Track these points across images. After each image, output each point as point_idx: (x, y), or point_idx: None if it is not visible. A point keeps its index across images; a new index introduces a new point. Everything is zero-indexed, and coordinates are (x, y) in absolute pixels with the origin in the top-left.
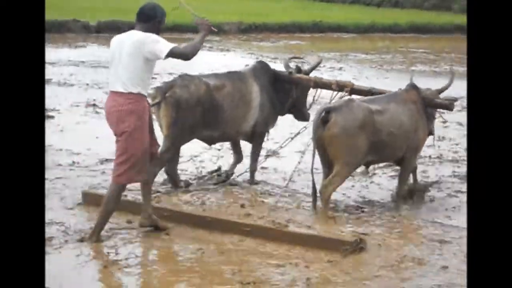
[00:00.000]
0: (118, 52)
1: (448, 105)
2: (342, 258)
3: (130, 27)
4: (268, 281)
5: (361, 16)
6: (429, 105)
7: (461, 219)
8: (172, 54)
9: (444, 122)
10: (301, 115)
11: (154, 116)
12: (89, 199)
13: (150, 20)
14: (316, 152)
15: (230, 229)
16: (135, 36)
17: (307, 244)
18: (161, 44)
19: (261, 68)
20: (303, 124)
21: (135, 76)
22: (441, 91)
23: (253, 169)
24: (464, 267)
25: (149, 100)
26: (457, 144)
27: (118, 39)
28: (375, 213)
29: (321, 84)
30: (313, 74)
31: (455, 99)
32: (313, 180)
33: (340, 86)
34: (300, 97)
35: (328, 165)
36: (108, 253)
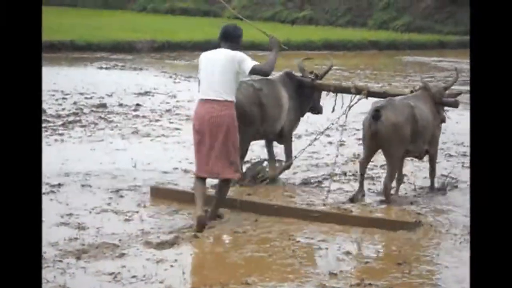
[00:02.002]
0: (211, 67)
1: (454, 103)
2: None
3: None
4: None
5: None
6: (438, 103)
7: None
8: (254, 70)
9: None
10: (317, 110)
11: None
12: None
13: (234, 39)
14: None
15: (299, 215)
16: (226, 54)
17: (371, 226)
18: (248, 62)
19: (288, 76)
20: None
21: (228, 87)
22: (446, 87)
23: (288, 165)
24: None
25: None
26: None
27: (209, 56)
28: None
29: (340, 89)
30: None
31: (460, 93)
32: (362, 172)
33: (358, 90)
34: (317, 97)
35: (368, 159)
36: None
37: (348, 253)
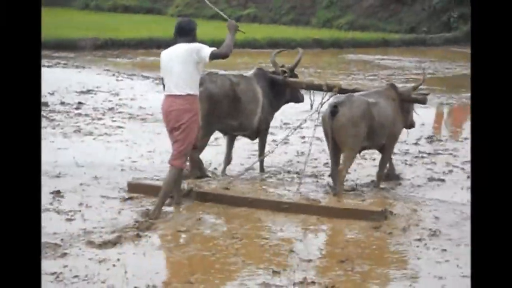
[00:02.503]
0: (171, 63)
1: (422, 100)
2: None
3: None
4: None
5: (218, 32)
6: (406, 100)
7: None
8: (213, 55)
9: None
10: (297, 99)
11: None
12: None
13: (189, 32)
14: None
15: (269, 207)
16: (183, 47)
17: (340, 216)
18: (205, 49)
19: (261, 74)
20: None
21: (189, 80)
22: (415, 87)
23: (262, 159)
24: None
25: None
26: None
27: (168, 53)
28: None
29: (312, 86)
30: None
31: (428, 93)
32: (332, 164)
33: (329, 87)
34: (293, 91)
35: (334, 152)
36: None
37: (291, 251)
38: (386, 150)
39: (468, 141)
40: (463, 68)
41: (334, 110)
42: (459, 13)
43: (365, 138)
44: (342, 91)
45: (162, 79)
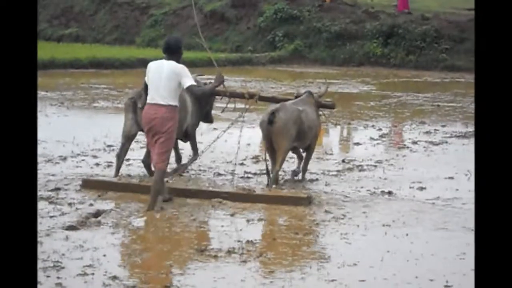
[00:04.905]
0: (158, 75)
1: (332, 105)
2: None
3: None
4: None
5: (40, 52)
6: (320, 106)
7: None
8: (188, 88)
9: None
10: (209, 119)
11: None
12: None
13: (176, 50)
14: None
15: (211, 196)
16: (170, 66)
17: (274, 203)
18: (188, 80)
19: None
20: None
21: (172, 94)
22: (321, 95)
23: (195, 159)
24: None
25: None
26: None
27: (156, 65)
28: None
29: (235, 94)
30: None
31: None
32: (266, 163)
33: (250, 95)
34: (212, 105)
35: (270, 151)
36: None
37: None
38: (310, 149)
39: (294, 160)
40: (288, 87)
41: (271, 116)
42: (284, 32)
43: (296, 139)
44: (262, 98)
45: (145, 85)
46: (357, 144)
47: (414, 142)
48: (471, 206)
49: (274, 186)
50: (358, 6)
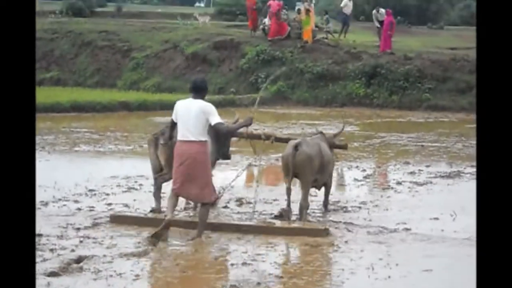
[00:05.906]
0: (187, 113)
1: (345, 146)
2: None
3: None
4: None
5: None
6: (332, 147)
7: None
8: (215, 126)
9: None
10: (226, 156)
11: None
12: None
13: (202, 90)
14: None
15: (233, 229)
16: (197, 104)
17: (293, 234)
18: (215, 117)
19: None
20: None
21: (201, 130)
22: (336, 135)
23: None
24: None
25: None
26: None
27: (184, 104)
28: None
29: (252, 136)
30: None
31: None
32: (288, 196)
33: (267, 136)
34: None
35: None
36: None
37: None
38: (328, 184)
39: (282, 201)
40: (272, 129)
41: (296, 148)
42: (266, 73)
43: (318, 172)
44: (278, 139)
45: (171, 123)
46: (341, 185)
47: (399, 183)
48: (457, 248)
49: (304, 219)
50: (340, 47)
